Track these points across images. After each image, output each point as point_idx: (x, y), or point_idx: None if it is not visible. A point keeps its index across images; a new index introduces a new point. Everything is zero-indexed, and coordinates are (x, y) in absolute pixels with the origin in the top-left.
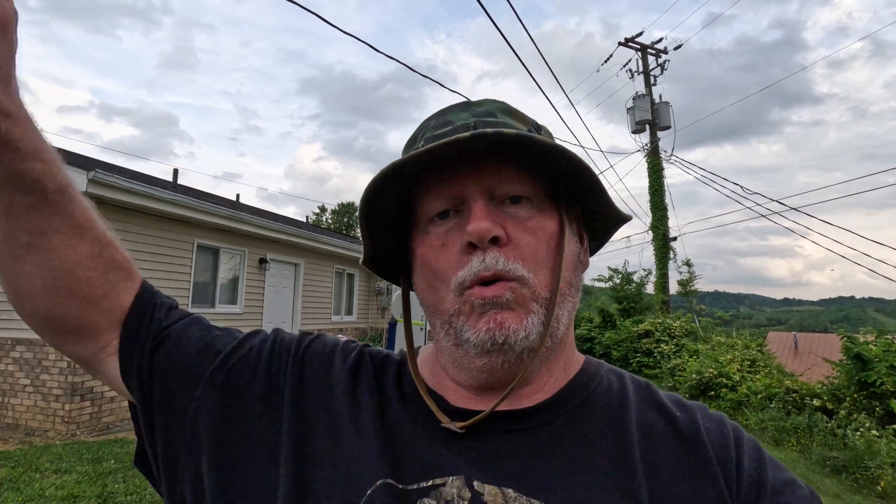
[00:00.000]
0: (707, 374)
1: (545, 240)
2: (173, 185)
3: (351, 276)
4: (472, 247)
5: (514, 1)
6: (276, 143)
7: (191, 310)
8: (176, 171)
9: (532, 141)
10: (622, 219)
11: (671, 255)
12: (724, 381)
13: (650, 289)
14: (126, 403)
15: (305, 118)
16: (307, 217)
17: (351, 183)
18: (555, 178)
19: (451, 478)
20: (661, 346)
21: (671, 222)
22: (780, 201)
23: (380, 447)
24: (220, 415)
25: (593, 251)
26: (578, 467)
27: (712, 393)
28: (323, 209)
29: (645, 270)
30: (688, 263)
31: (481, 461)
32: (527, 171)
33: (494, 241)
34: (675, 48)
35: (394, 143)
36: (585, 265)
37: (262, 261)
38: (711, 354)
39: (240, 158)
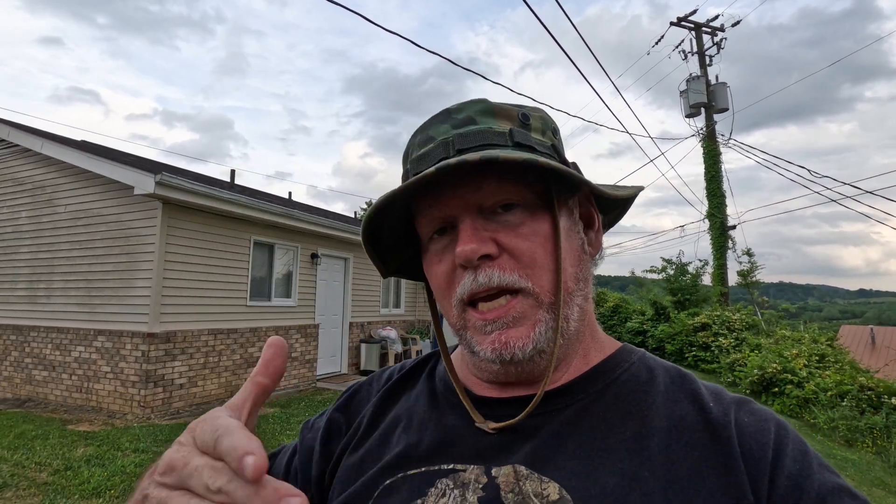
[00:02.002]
0: (770, 370)
1: (541, 243)
2: (231, 186)
3: None
4: (464, 266)
5: None
6: (324, 141)
7: (248, 304)
8: (233, 172)
9: (497, 161)
10: (633, 194)
11: (730, 245)
12: (790, 377)
13: (707, 280)
14: (193, 390)
15: (350, 116)
16: (355, 213)
17: (396, 179)
18: (545, 175)
19: (471, 466)
20: (720, 339)
21: (729, 210)
22: (854, 184)
23: (432, 438)
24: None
25: (613, 222)
26: (593, 451)
27: (776, 389)
28: (370, 205)
29: (701, 261)
30: (748, 253)
31: (500, 443)
32: (510, 177)
33: (487, 257)
34: (733, 25)
35: None
36: (595, 250)
37: (314, 256)
38: (775, 349)
39: (290, 157)
